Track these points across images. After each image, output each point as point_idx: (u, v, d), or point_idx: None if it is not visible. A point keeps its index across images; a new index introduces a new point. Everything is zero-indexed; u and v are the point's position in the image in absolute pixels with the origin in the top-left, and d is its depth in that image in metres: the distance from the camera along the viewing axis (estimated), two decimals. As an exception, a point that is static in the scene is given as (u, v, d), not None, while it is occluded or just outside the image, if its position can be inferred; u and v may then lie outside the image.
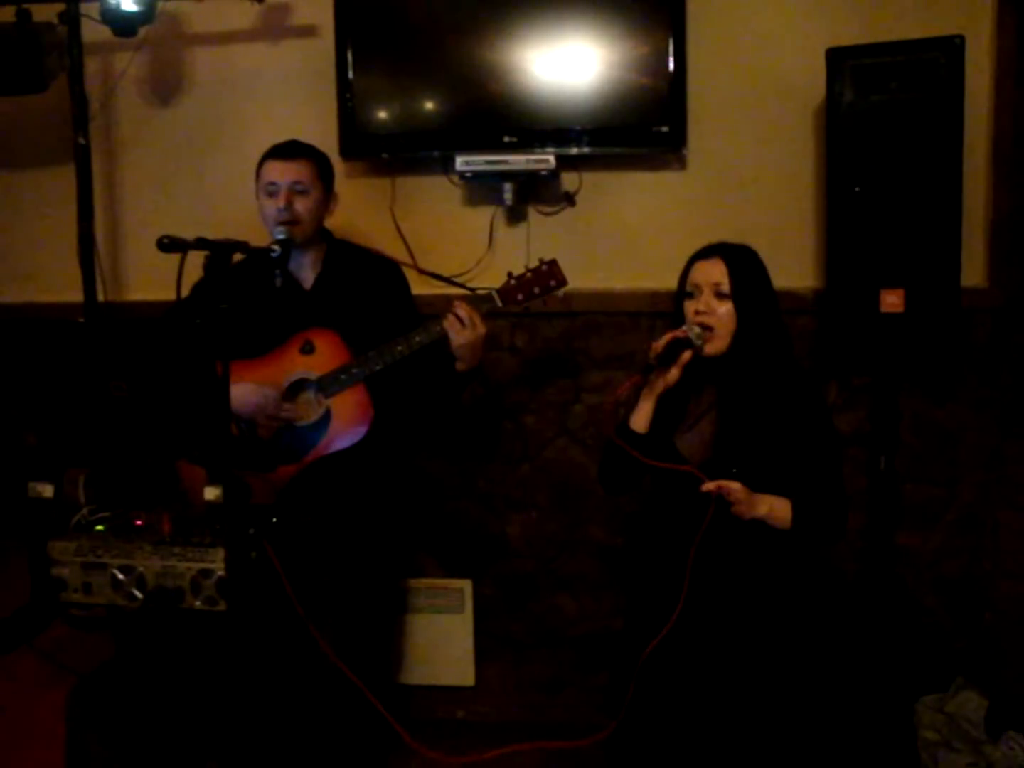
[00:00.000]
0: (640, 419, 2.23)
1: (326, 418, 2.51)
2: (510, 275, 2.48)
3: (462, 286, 2.98)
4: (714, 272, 2.20)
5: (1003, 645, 2.88)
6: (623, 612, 2.41)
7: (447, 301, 2.49)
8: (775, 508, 2.13)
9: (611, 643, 2.88)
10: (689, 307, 2.23)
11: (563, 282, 2.47)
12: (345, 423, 2.50)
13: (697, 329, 2.18)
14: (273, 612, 2.02)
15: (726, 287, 2.18)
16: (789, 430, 2.18)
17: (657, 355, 2.17)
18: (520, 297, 2.47)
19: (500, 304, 2.47)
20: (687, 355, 2.16)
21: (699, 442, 2.26)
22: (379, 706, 2.08)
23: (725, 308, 2.18)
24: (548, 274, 2.47)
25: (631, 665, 2.09)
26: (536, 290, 2.47)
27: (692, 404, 2.30)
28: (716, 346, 2.20)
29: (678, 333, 2.18)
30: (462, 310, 2.42)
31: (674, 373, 2.18)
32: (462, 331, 2.41)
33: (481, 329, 2.43)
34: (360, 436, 2.49)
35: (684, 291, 2.26)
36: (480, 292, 2.56)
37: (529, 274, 2.47)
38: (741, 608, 2.13)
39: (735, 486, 2.08)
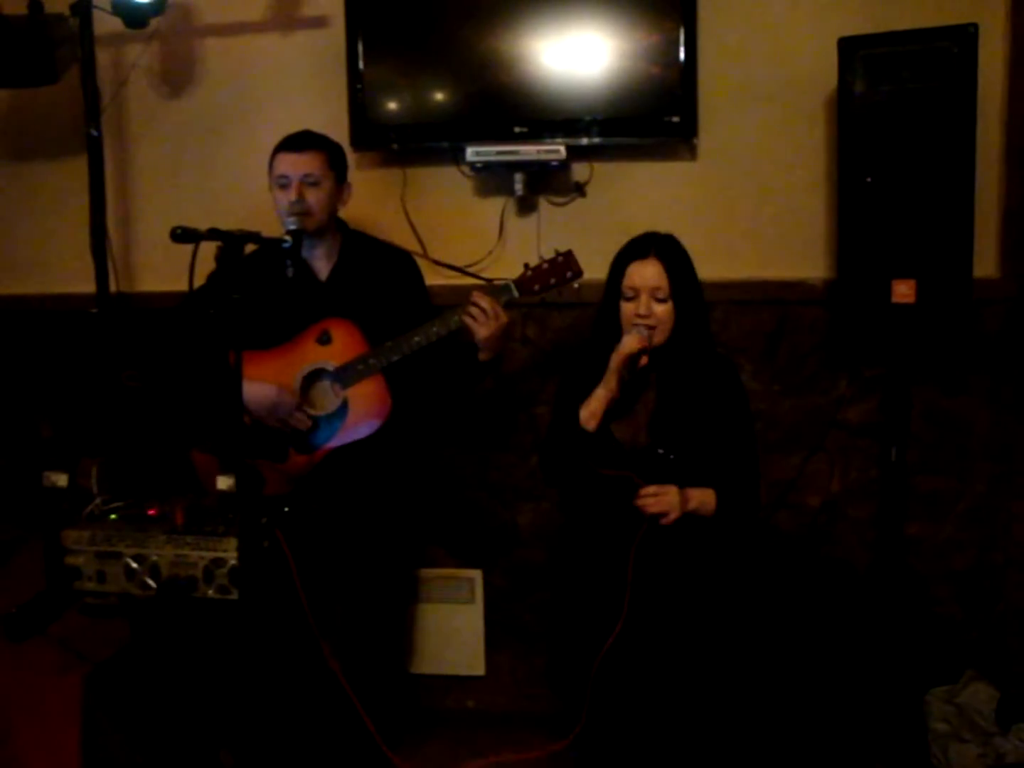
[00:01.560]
0: (594, 420, 2.24)
1: (343, 408, 2.52)
2: (527, 266, 2.48)
3: (477, 276, 2.98)
4: (651, 275, 2.25)
5: (1014, 637, 2.87)
6: (555, 604, 2.42)
7: (460, 292, 2.49)
8: (703, 501, 2.23)
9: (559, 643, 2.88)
10: (628, 309, 2.29)
11: (579, 273, 2.48)
12: (362, 414, 2.50)
13: (645, 331, 2.24)
14: (286, 601, 2.03)
15: (664, 291, 2.24)
16: (715, 413, 2.26)
17: (630, 360, 2.21)
18: (537, 287, 2.48)
19: (517, 295, 2.48)
20: (645, 359, 2.24)
21: (634, 428, 2.31)
22: (364, 715, 2.10)
23: (664, 308, 2.26)
24: (564, 265, 2.47)
25: (582, 670, 2.11)
26: (552, 280, 2.47)
27: (626, 392, 2.32)
28: (656, 341, 2.27)
29: (641, 340, 2.23)
30: (484, 301, 2.41)
31: (626, 375, 2.24)
32: (486, 322, 2.40)
33: (503, 318, 2.42)
34: (377, 427, 2.49)
35: (620, 292, 2.30)
36: (497, 283, 2.56)
37: (545, 265, 2.47)
38: (688, 600, 2.15)
39: (670, 496, 2.17)
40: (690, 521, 2.21)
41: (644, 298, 2.24)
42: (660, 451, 2.23)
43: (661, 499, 2.18)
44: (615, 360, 2.21)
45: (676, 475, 2.23)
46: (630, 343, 2.21)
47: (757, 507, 2.34)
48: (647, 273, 2.25)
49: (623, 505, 2.21)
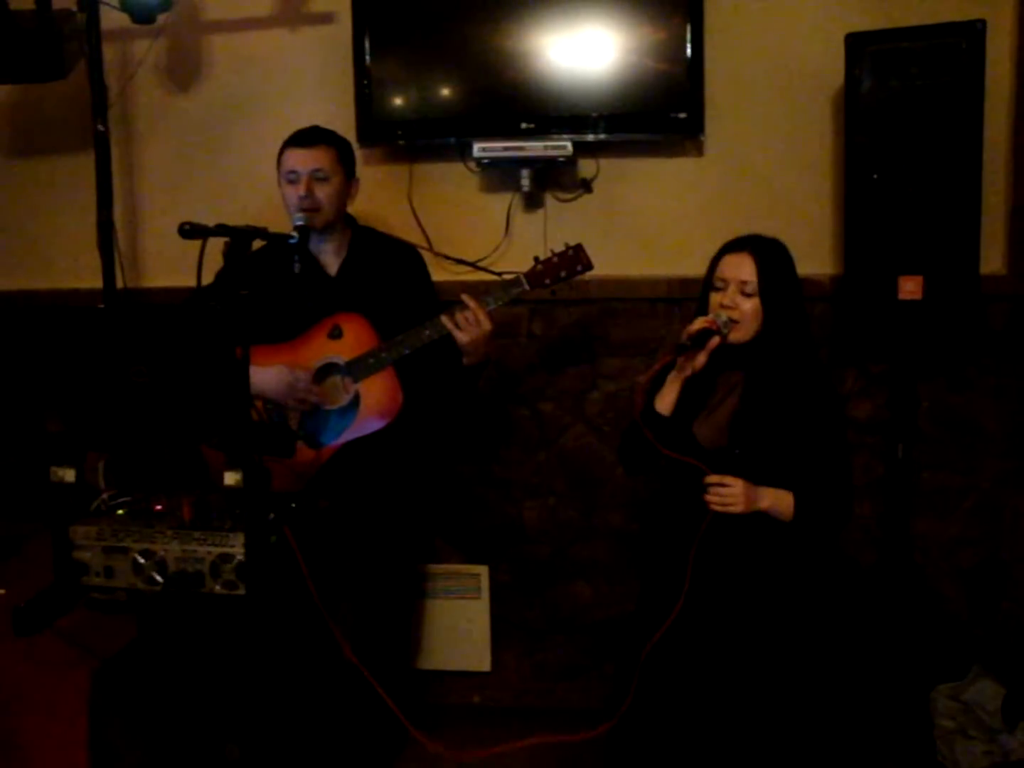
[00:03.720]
0: (666, 402, 2.24)
1: (355, 403, 2.52)
2: (536, 259, 2.49)
3: (487, 270, 2.98)
4: (743, 269, 2.21)
5: (1020, 634, 2.87)
6: (636, 600, 2.43)
7: (469, 288, 2.50)
8: (777, 502, 2.16)
9: (625, 629, 2.89)
10: (715, 299, 2.25)
11: (589, 266, 2.49)
12: (374, 408, 2.51)
13: (724, 317, 2.20)
14: (293, 597, 2.03)
15: (753, 286, 2.20)
16: (803, 419, 2.20)
17: (691, 336, 2.18)
18: (547, 281, 2.48)
19: (528, 288, 2.48)
20: (715, 341, 2.18)
21: (715, 428, 2.27)
22: (388, 699, 2.09)
23: (751, 304, 2.20)
24: (575, 258, 2.48)
25: (635, 655, 2.11)
26: (563, 274, 2.48)
27: (712, 391, 2.31)
28: (739, 335, 2.22)
29: (709, 321, 2.19)
30: (472, 303, 2.42)
31: (701, 359, 2.20)
32: (467, 327, 2.42)
33: (487, 326, 2.43)
34: (389, 421, 2.50)
35: (711, 282, 2.27)
36: (507, 276, 2.56)
37: (555, 258, 2.48)
38: (745, 598, 2.15)
39: (735, 489, 2.12)
40: (762, 521, 2.16)
41: (731, 289, 2.21)
42: (736, 451, 2.19)
43: (725, 491, 2.13)
44: (683, 334, 2.20)
45: (756, 478, 2.18)
46: (697, 322, 2.19)
47: (842, 519, 2.24)
48: (738, 264, 2.21)
49: (690, 493, 2.19)
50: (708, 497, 2.14)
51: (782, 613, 2.14)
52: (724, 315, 2.20)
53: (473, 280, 2.90)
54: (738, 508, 2.12)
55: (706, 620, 2.13)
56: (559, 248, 2.48)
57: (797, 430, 2.19)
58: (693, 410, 2.28)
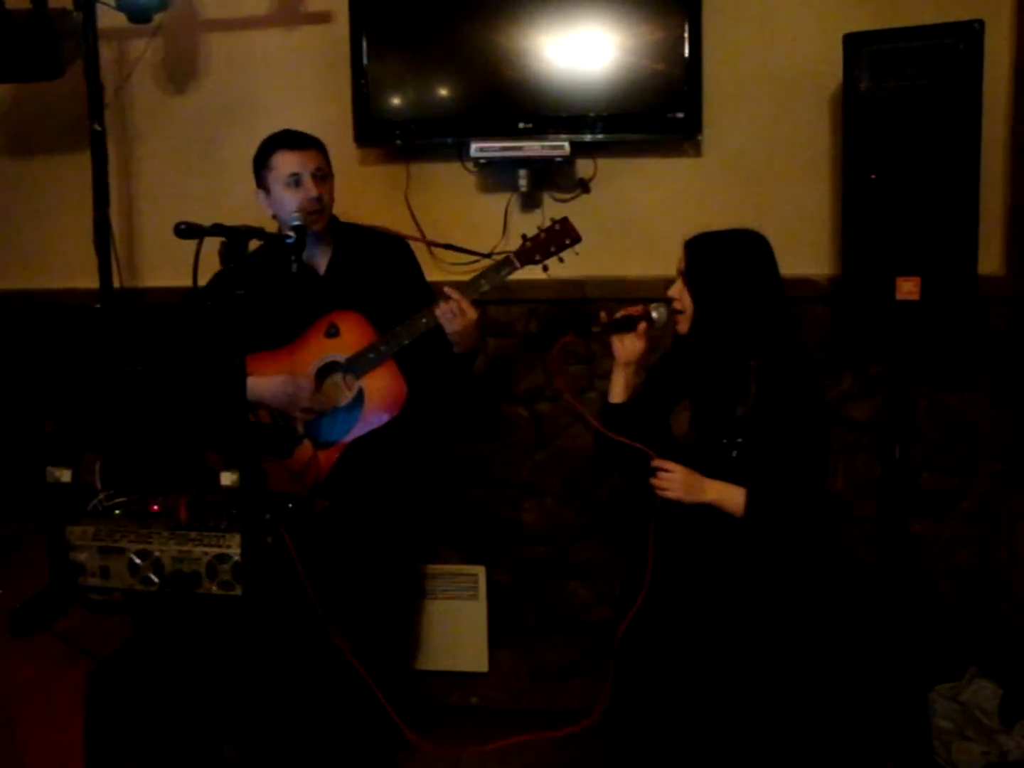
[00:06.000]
0: (614, 390, 2.29)
1: (359, 399, 2.52)
2: (524, 237, 2.49)
3: (486, 255, 2.96)
4: (680, 260, 2.26)
5: (1017, 634, 2.87)
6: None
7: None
8: (725, 496, 2.14)
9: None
10: None
11: (578, 238, 2.48)
12: (379, 402, 2.51)
13: (663, 309, 2.25)
14: (290, 597, 2.03)
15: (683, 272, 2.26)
16: (769, 414, 2.19)
17: (602, 323, 2.24)
18: (537, 257, 2.48)
19: (519, 265, 2.48)
20: (643, 325, 2.24)
21: (686, 422, 2.29)
22: (382, 699, 2.10)
23: (685, 291, 2.24)
24: (562, 232, 2.48)
25: (610, 648, 2.14)
26: (552, 248, 2.48)
27: (677, 385, 2.33)
28: (683, 326, 2.25)
29: (632, 310, 2.26)
30: (455, 295, 2.43)
31: (638, 345, 2.26)
32: (453, 319, 2.42)
33: (471, 315, 2.43)
34: (395, 413, 2.50)
35: None
36: (497, 257, 2.55)
37: (543, 234, 2.48)
38: (707, 590, 2.14)
39: (674, 475, 2.12)
40: (713, 514, 2.15)
41: (677, 280, 2.26)
42: (734, 453, 2.19)
43: (664, 475, 2.13)
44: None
45: (732, 474, 2.16)
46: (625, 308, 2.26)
47: (800, 521, 2.18)
48: (680, 259, 2.26)
49: (641, 479, 2.19)
50: (652, 480, 2.15)
51: (748, 607, 2.12)
52: (662, 307, 2.25)
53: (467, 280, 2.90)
54: (677, 495, 2.12)
55: (672, 613, 2.12)
56: (548, 223, 2.49)
57: (761, 424, 2.19)
58: (670, 403, 2.30)
